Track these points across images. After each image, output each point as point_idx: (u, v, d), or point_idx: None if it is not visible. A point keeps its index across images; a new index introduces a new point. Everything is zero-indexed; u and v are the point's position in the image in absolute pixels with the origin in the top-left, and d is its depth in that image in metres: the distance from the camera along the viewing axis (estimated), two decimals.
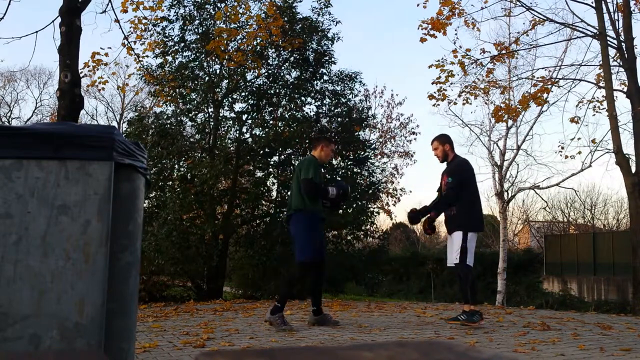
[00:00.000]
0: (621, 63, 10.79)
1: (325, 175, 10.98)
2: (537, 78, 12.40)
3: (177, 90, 10.67)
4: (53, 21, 7.36)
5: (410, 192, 32.99)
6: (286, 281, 4.96)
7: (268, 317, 4.74)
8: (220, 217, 10.59)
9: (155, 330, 4.92)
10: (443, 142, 5.14)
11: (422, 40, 11.25)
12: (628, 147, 11.93)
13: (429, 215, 5.17)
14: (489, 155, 15.67)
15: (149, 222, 10.04)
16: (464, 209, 4.93)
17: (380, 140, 20.85)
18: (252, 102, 10.92)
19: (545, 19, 11.66)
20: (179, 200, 9.86)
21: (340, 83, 11.30)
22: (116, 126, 15.20)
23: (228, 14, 9.99)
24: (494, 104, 13.01)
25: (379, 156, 19.58)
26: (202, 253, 9.93)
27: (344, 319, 5.44)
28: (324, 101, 11.33)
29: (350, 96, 11.50)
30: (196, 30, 10.63)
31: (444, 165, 5.26)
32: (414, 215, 5.19)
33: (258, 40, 10.12)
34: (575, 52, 71.52)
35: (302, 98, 11.18)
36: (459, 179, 4.97)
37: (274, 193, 11.06)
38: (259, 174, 11.05)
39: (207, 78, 10.67)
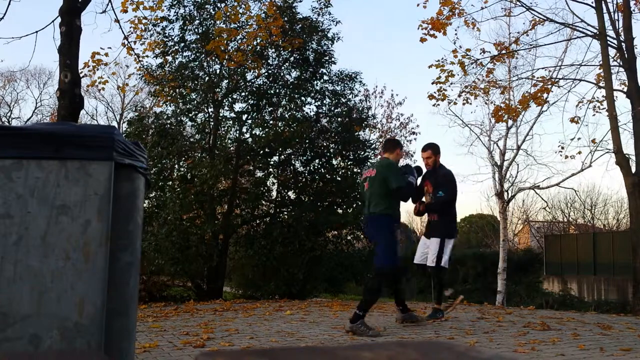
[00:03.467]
0: (621, 63, 10.78)
1: (326, 175, 11.00)
2: (537, 78, 12.40)
3: (177, 90, 10.67)
4: (53, 21, 7.36)
5: None
6: (370, 289, 4.77)
7: (349, 326, 4.57)
8: (220, 217, 10.58)
9: (155, 330, 4.92)
10: (436, 152, 5.45)
11: (422, 40, 11.25)
12: (628, 147, 11.93)
13: (420, 205, 5.53)
14: (489, 155, 15.65)
15: (149, 222, 10.04)
16: (447, 221, 5.38)
17: (380, 140, 20.83)
18: (252, 102, 10.92)
19: (545, 19, 11.66)
20: (179, 200, 9.85)
21: (340, 83, 11.29)
22: (116, 126, 15.20)
23: (228, 14, 9.98)
24: (494, 104, 13.01)
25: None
26: (202, 253, 9.93)
27: (344, 319, 5.44)
28: (324, 101, 11.33)
29: (350, 96, 11.49)
30: (196, 30, 10.63)
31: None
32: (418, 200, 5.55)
33: (258, 40, 10.12)
34: (575, 52, 71.59)
35: (302, 98, 11.17)
36: (452, 195, 5.37)
37: (274, 193, 11.06)
38: (259, 174, 11.04)
39: (207, 78, 10.67)
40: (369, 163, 11.39)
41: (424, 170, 5.53)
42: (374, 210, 4.81)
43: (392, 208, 4.85)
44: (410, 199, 5.38)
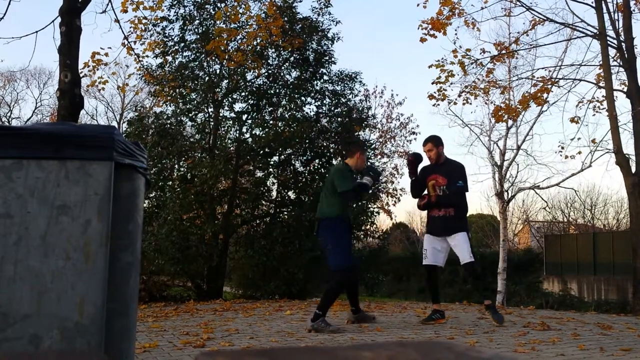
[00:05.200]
0: (621, 63, 10.79)
1: (325, 175, 10.99)
2: (537, 78, 12.39)
3: (177, 90, 10.67)
4: (53, 21, 7.35)
5: None
6: (330, 291, 4.84)
7: (310, 325, 4.70)
8: (220, 217, 10.59)
9: (155, 330, 4.92)
10: (437, 144, 5.22)
11: (422, 40, 11.24)
12: (628, 147, 11.93)
13: (427, 197, 5.22)
14: (489, 155, 15.65)
15: (149, 222, 10.03)
16: (464, 213, 5.18)
17: (380, 140, 20.85)
18: (252, 102, 10.92)
19: (545, 19, 11.66)
20: (179, 200, 9.85)
21: (340, 83, 11.29)
22: (116, 126, 15.20)
23: (228, 14, 9.98)
24: (494, 104, 13.00)
25: (379, 156, 19.58)
26: (202, 253, 9.93)
27: (344, 319, 5.44)
28: (324, 101, 11.33)
29: (350, 96, 11.50)
30: (196, 30, 10.63)
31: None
32: (414, 169, 5.29)
33: (258, 40, 10.12)
34: (575, 52, 71.61)
35: (302, 98, 11.18)
36: (466, 184, 5.14)
37: (274, 193, 11.06)
38: (259, 174, 11.04)
39: (207, 78, 10.67)
40: (368, 163, 11.38)
41: (426, 161, 5.28)
42: (325, 212, 4.94)
43: (341, 209, 4.93)
44: (411, 194, 5.33)
